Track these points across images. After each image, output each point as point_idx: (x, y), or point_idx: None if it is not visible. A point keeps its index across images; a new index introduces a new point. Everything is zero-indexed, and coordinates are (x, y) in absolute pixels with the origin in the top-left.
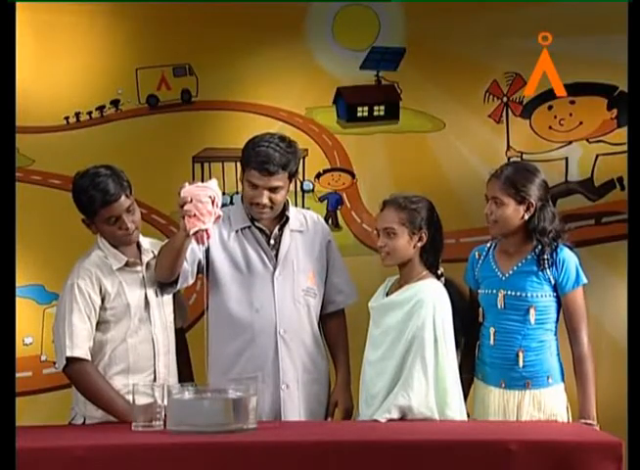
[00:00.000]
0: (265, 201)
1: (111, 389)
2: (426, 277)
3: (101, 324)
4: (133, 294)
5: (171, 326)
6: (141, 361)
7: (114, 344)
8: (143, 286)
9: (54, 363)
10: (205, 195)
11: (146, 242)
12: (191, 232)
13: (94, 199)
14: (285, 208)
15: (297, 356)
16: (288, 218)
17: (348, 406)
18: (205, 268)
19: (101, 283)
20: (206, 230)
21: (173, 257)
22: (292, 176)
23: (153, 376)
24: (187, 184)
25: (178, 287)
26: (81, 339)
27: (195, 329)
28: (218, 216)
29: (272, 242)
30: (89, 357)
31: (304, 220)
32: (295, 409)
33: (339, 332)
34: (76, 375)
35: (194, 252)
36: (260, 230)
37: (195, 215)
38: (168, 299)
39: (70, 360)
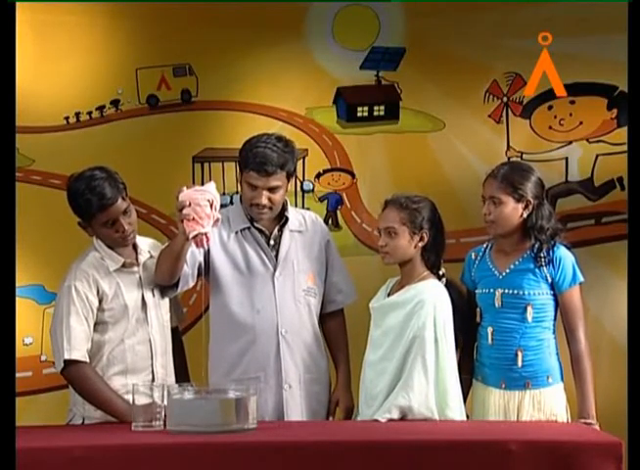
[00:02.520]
0: (265, 201)
1: (109, 390)
2: (427, 278)
3: (99, 325)
4: (131, 295)
5: (168, 326)
6: (139, 362)
7: (112, 345)
8: (140, 287)
9: (54, 363)
10: (204, 198)
11: (144, 242)
12: (190, 236)
13: (91, 203)
14: (284, 208)
15: (299, 356)
16: (287, 219)
17: (349, 405)
18: (206, 270)
19: (98, 284)
20: (206, 234)
21: (173, 260)
22: (290, 176)
23: (151, 376)
24: (185, 188)
25: (179, 290)
26: (79, 341)
27: (194, 329)
28: (217, 220)
29: (272, 242)
30: (87, 359)
31: (303, 220)
32: (297, 409)
33: (339, 331)
34: (75, 377)
35: (194, 254)
36: (260, 231)
37: (193, 219)
38: (165, 299)
39: (69, 363)
